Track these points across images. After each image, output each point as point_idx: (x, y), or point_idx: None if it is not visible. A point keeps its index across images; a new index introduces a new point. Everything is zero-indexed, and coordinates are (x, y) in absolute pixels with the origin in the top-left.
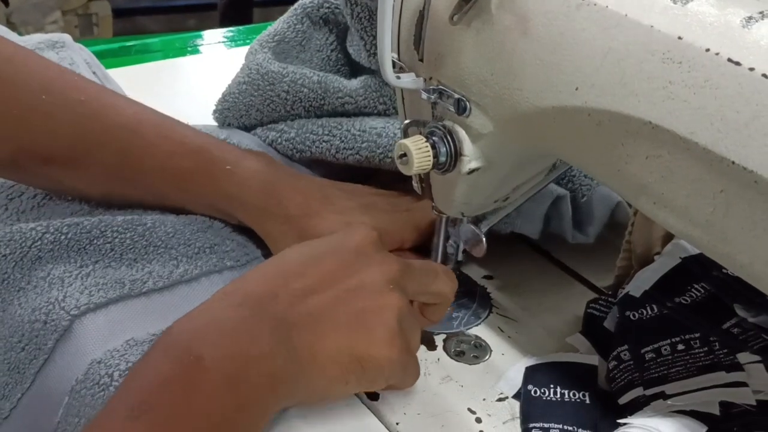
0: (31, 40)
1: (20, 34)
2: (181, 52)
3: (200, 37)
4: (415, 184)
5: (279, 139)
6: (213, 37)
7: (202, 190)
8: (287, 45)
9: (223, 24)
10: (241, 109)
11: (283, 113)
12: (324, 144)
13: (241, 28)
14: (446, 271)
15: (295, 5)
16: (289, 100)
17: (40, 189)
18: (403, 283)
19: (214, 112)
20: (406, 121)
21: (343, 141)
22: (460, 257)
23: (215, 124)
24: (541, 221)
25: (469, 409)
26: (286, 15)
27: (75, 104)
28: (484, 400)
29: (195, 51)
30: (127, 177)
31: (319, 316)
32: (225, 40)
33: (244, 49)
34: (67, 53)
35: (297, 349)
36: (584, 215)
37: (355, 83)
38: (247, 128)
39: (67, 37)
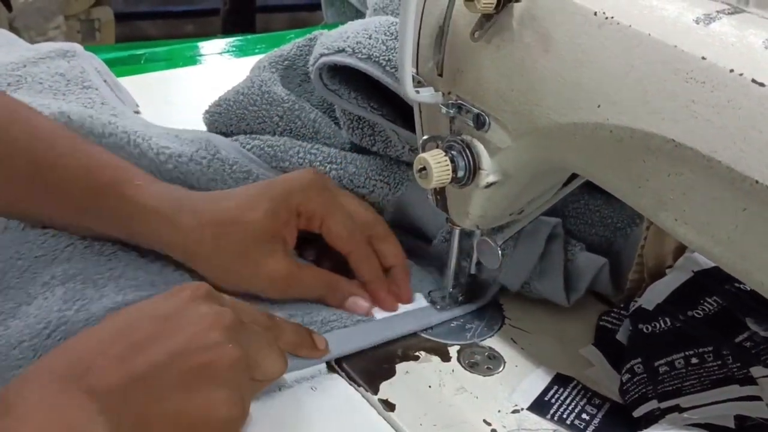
0: (42, 49)
1: (23, 38)
2: (190, 61)
3: (203, 46)
4: (430, 197)
5: (262, 146)
6: (216, 47)
7: (114, 204)
8: (293, 72)
9: (225, 30)
10: (232, 117)
11: (271, 133)
12: (310, 155)
13: (249, 37)
14: (297, 329)
15: (312, 35)
16: (280, 126)
17: None
18: (238, 335)
19: (205, 113)
20: (425, 137)
21: (329, 157)
22: (473, 270)
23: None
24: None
25: (484, 421)
26: (301, 41)
27: None
28: (499, 411)
29: (197, 61)
30: (37, 191)
31: (147, 378)
32: (232, 49)
33: (248, 59)
34: (77, 62)
35: (126, 417)
36: (570, 277)
37: (345, 135)
38: (228, 136)
39: (77, 47)
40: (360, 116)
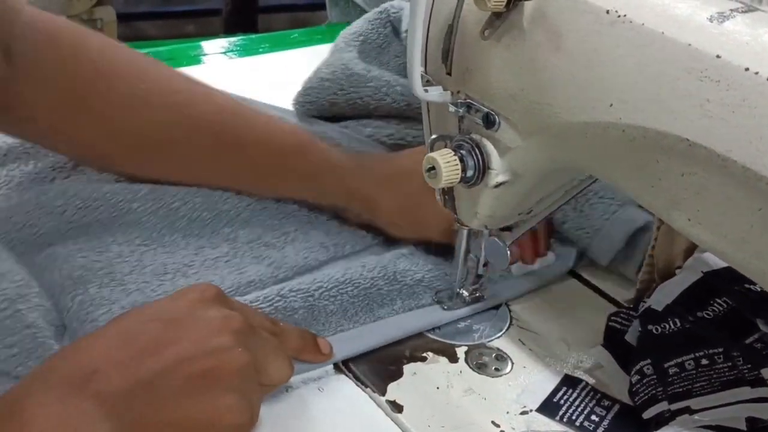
0: None
1: None
2: (193, 60)
3: (205, 46)
4: (438, 197)
5: (377, 134)
6: (218, 47)
7: (299, 165)
8: (369, 46)
9: (227, 30)
10: (323, 104)
11: (365, 113)
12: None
13: (252, 36)
14: (302, 334)
15: (381, 8)
16: (371, 105)
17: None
18: (247, 339)
19: (295, 104)
20: (433, 136)
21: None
22: (480, 271)
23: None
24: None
25: (493, 422)
26: (370, 15)
27: (169, 93)
28: (507, 413)
29: (200, 61)
30: (221, 158)
31: (153, 383)
32: (235, 49)
33: (251, 59)
34: None
35: (132, 422)
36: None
37: None
38: (328, 119)
39: None
40: None
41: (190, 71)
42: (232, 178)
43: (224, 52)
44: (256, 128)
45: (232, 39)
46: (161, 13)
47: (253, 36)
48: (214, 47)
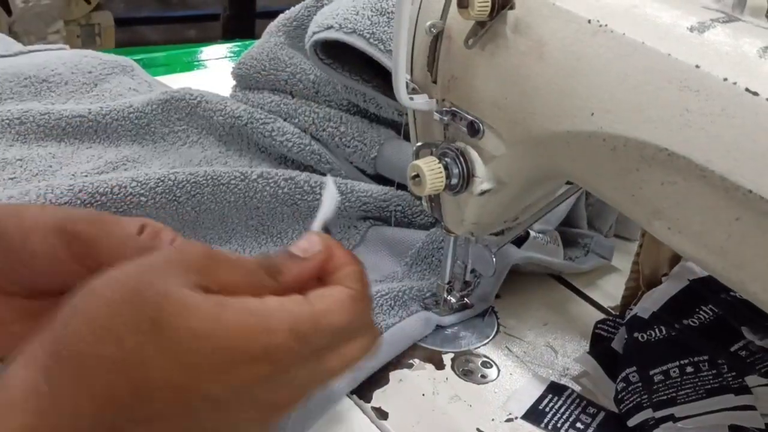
0: (105, 63)
1: (23, 43)
2: (188, 66)
3: (202, 51)
4: (425, 204)
5: (279, 102)
6: (216, 52)
7: None
8: (303, 31)
9: (225, 36)
10: (250, 80)
11: (282, 92)
12: (313, 114)
13: (249, 42)
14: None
15: None
16: (286, 89)
17: None
18: None
19: (232, 73)
20: (418, 143)
21: (327, 116)
22: (467, 277)
23: None
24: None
25: (478, 429)
26: (309, 1)
27: None
28: (492, 420)
29: (198, 66)
30: None
31: None
32: (232, 54)
33: None
34: (141, 77)
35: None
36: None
37: (343, 95)
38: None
39: (132, 62)
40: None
41: (190, 77)
42: None
43: (223, 58)
44: None
45: (230, 44)
46: (161, 18)
47: (250, 41)
48: (213, 53)
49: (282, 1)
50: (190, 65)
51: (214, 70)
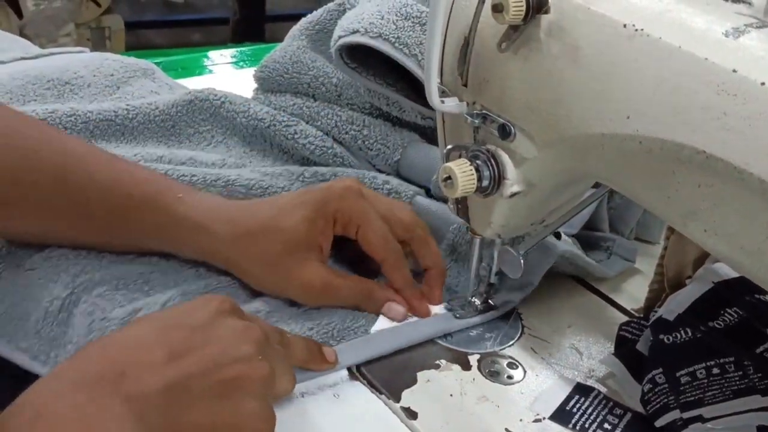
0: (127, 66)
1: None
2: (203, 70)
3: (210, 57)
4: (451, 206)
5: (301, 105)
6: (225, 57)
7: (145, 218)
8: (325, 35)
9: (234, 39)
10: (272, 83)
11: (305, 96)
12: (336, 117)
13: (261, 46)
14: (307, 344)
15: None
16: (309, 92)
17: None
18: (265, 350)
19: (254, 76)
20: (449, 146)
21: (350, 119)
22: (492, 279)
23: None
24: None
25: (506, 430)
26: (331, 5)
27: (17, 138)
28: (521, 420)
29: (207, 70)
30: (61, 206)
31: (184, 386)
32: (244, 58)
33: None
34: (162, 80)
35: (160, 424)
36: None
37: (366, 98)
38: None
39: (153, 65)
40: None
41: (199, 81)
42: (72, 226)
43: (232, 62)
44: (100, 175)
45: (240, 48)
46: (168, 22)
47: (262, 45)
48: (221, 57)
49: (292, 4)
50: (204, 69)
51: (225, 74)
